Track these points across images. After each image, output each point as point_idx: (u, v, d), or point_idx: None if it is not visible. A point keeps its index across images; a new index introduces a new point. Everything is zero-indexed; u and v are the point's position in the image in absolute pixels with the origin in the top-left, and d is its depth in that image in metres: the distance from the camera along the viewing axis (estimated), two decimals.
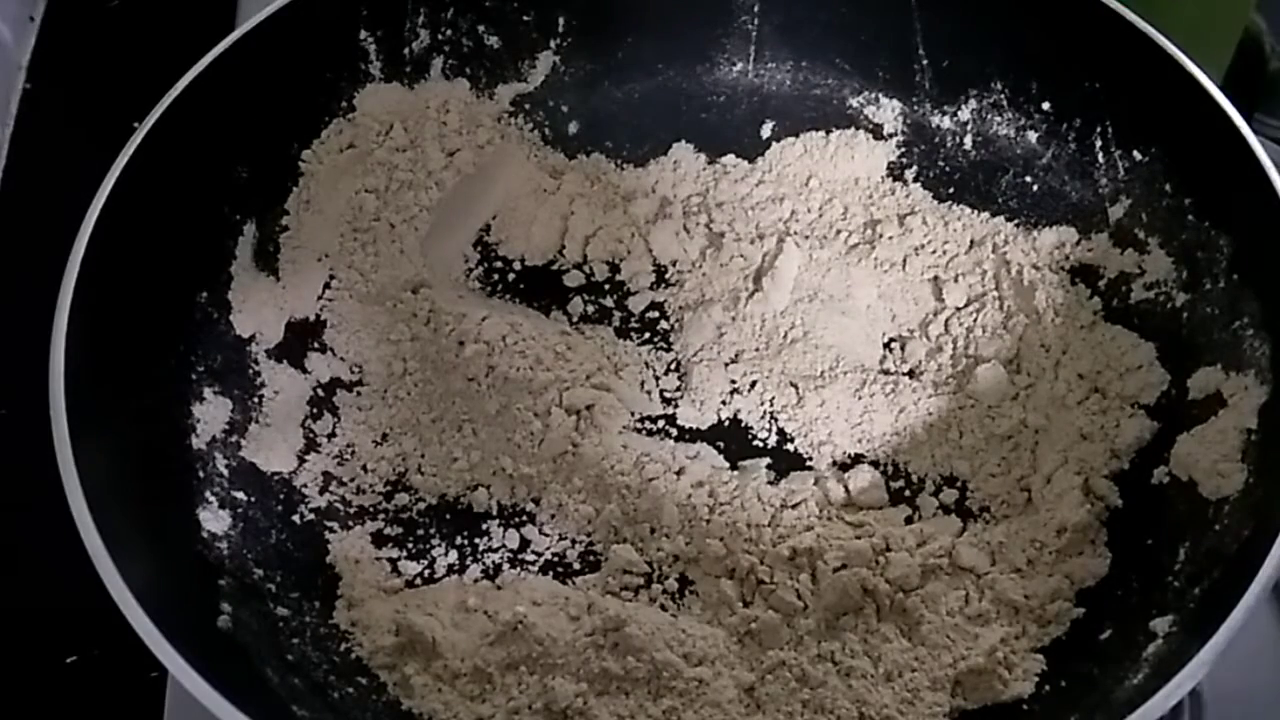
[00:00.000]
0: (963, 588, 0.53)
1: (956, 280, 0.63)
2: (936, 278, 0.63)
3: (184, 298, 0.57)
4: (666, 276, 0.65)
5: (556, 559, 0.56)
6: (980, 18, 0.63)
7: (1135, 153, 0.60)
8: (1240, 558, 0.47)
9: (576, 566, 0.56)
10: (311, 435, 0.58)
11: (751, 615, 0.52)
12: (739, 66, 0.68)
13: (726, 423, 0.60)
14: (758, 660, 0.52)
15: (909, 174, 0.66)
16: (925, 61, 0.65)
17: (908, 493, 0.58)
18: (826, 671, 0.51)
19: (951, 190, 0.65)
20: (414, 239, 0.63)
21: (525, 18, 0.65)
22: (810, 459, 0.59)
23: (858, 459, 0.59)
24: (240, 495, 0.55)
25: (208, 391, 0.56)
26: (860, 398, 0.60)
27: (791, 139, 0.67)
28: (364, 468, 0.58)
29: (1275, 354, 0.52)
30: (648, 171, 0.67)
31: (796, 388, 0.61)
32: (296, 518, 0.56)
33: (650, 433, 0.60)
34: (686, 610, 0.54)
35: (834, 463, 0.59)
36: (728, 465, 0.59)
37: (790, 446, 0.59)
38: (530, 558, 0.56)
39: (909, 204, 0.65)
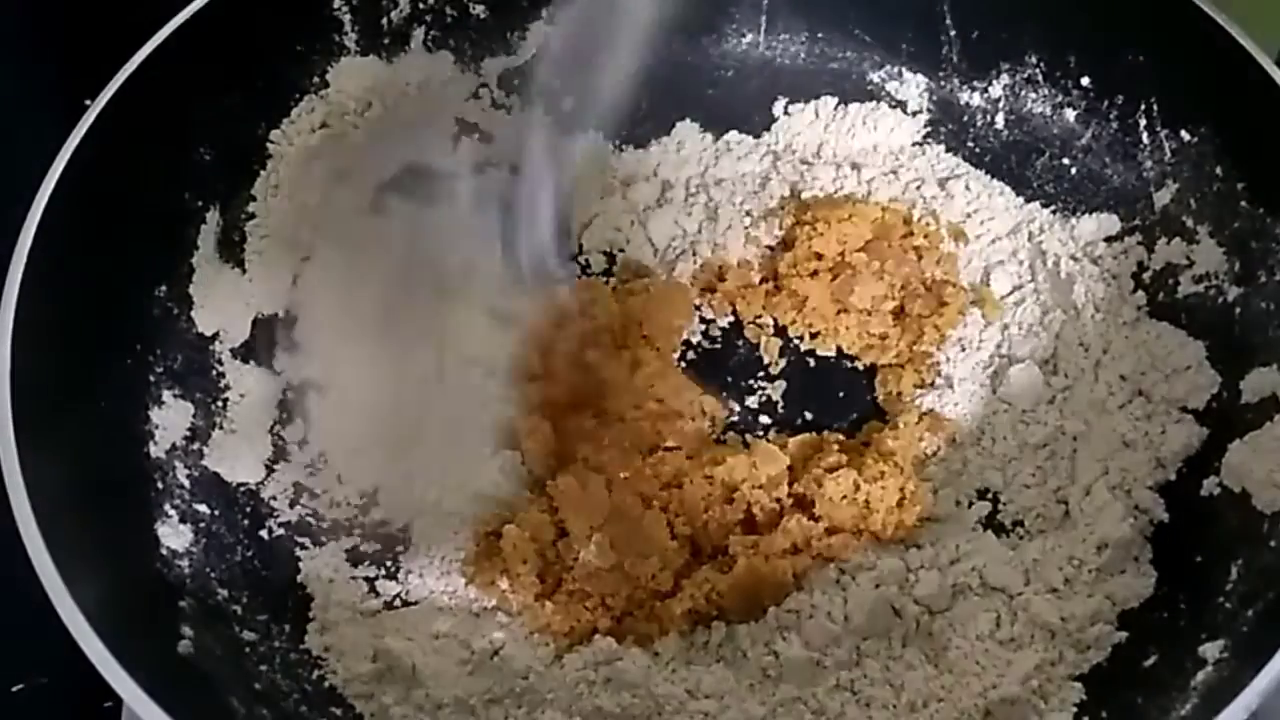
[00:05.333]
0: (994, 609, 0.53)
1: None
2: None
3: (141, 292, 0.57)
4: None
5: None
6: None
7: (1183, 133, 0.60)
8: None
9: None
10: (281, 442, 0.59)
11: (769, 658, 0.52)
12: (749, 38, 0.68)
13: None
14: (769, 692, 0.51)
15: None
16: (953, 32, 0.65)
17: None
18: (845, 702, 0.51)
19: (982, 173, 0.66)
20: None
21: None
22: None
23: None
24: (203, 508, 0.55)
25: (167, 395, 0.56)
26: None
27: (801, 104, 0.67)
28: (338, 478, 0.58)
29: None
30: (649, 153, 0.67)
31: None
32: (264, 533, 0.56)
33: None
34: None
35: None
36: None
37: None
38: None
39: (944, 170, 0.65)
